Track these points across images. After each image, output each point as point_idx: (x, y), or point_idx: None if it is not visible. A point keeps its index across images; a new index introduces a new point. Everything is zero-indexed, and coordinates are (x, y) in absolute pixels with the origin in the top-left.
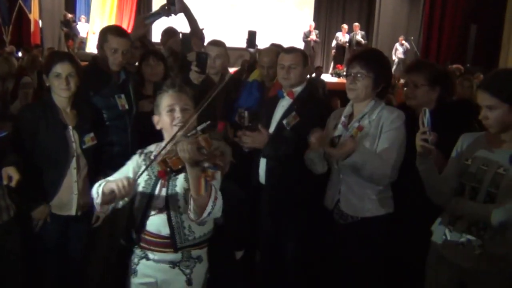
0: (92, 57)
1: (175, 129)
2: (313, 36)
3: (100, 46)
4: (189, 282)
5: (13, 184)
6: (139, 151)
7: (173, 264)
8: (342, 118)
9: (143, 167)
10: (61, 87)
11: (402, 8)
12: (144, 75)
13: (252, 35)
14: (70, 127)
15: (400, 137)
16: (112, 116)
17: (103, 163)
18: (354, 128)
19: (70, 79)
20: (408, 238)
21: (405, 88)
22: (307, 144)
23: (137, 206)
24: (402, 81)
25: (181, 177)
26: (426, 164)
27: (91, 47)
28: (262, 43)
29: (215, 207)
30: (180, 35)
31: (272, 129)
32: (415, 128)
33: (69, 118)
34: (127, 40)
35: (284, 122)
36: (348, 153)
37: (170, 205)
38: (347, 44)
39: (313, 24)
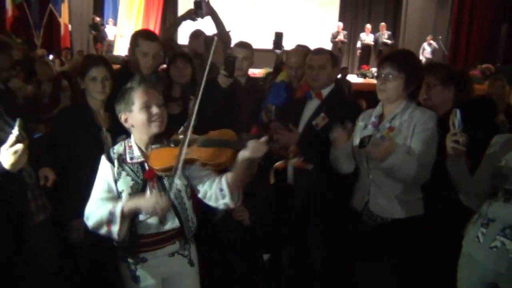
0: (123, 60)
1: (154, 125)
2: (340, 37)
3: (132, 50)
4: (191, 263)
5: (49, 184)
6: (104, 157)
7: (172, 253)
8: (372, 119)
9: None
10: (96, 90)
11: (430, 7)
12: (172, 77)
13: (278, 37)
14: (104, 128)
15: (433, 138)
16: None
17: None
18: (385, 128)
19: (105, 82)
20: (439, 241)
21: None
22: None
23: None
24: None
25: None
26: (457, 165)
27: (119, 50)
28: (287, 44)
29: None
30: (204, 37)
31: (300, 130)
32: (441, 129)
33: (102, 120)
34: (157, 44)
35: (313, 123)
36: (386, 155)
37: (176, 202)
38: (373, 44)
39: (341, 25)
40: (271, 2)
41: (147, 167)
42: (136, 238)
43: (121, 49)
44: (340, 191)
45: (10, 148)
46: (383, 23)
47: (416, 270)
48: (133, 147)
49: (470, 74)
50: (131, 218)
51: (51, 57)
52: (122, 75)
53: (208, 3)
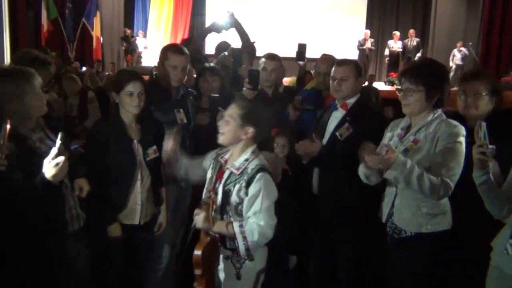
0: (154, 74)
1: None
2: (368, 44)
3: (161, 63)
4: (238, 276)
5: (83, 195)
6: (217, 150)
7: (227, 257)
8: (399, 130)
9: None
10: (133, 105)
11: (460, 13)
12: (201, 89)
13: (302, 48)
14: (135, 140)
15: (457, 152)
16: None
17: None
18: (409, 141)
19: (141, 97)
20: (467, 253)
21: (462, 97)
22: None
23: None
24: (454, 88)
25: (235, 188)
26: (484, 177)
27: (144, 61)
28: (314, 53)
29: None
30: (231, 50)
31: (325, 140)
32: (469, 140)
33: (134, 132)
34: (186, 58)
35: (337, 133)
36: (385, 166)
37: (223, 209)
38: (401, 50)
39: (368, 32)
40: (297, 12)
41: None
42: None
43: (147, 60)
44: (367, 201)
45: (52, 161)
46: (411, 30)
47: (444, 284)
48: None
49: (502, 80)
50: None
51: (84, 69)
52: (152, 88)
53: (232, 15)
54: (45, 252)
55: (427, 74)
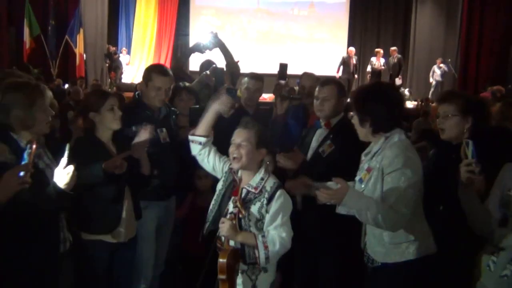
0: (137, 94)
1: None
2: (353, 61)
3: (145, 83)
4: (254, 287)
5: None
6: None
7: (243, 271)
8: (362, 157)
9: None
10: (114, 119)
11: (439, 29)
12: (177, 108)
13: (283, 68)
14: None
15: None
16: (154, 149)
17: (147, 194)
18: (363, 170)
19: (118, 113)
20: (449, 271)
21: (437, 119)
22: (341, 172)
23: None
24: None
25: (257, 206)
26: (467, 194)
27: (126, 78)
28: (296, 69)
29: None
30: (213, 68)
31: (308, 157)
32: (456, 157)
33: (112, 151)
34: (170, 79)
35: (320, 150)
36: (338, 198)
37: (241, 224)
38: (383, 68)
39: (353, 49)
40: (280, 31)
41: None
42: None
43: (128, 77)
44: (351, 220)
45: (63, 170)
46: (394, 48)
47: None
48: None
49: (481, 96)
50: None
51: (66, 86)
52: (134, 107)
53: (216, 35)
54: (37, 272)
55: (362, 103)
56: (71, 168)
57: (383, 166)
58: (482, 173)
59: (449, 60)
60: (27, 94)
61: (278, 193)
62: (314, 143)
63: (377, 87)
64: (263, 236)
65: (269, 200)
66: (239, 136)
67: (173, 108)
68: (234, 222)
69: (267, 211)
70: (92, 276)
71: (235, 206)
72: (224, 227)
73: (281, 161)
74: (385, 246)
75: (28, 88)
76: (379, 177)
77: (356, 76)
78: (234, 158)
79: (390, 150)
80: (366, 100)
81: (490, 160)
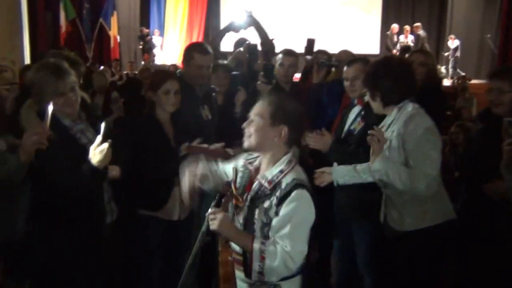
0: (178, 72)
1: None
2: (395, 38)
3: (186, 62)
4: None
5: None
6: (246, 156)
7: (248, 284)
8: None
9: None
10: (170, 103)
11: (478, 3)
12: (212, 84)
13: (310, 43)
14: (171, 137)
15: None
16: (198, 126)
17: None
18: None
19: (177, 95)
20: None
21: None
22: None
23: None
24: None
25: (264, 206)
26: (511, 172)
27: (159, 60)
28: (330, 48)
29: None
30: (247, 46)
31: (343, 135)
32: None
33: (169, 131)
34: (211, 57)
35: (352, 127)
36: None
37: (246, 228)
38: (413, 45)
39: (396, 26)
40: (312, 7)
41: None
42: None
43: (161, 58)
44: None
45: (98, 148)
46: (417, 24)
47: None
48: None
49: None
50: None
51: (101, 68)
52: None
53: (251, 14)
54: (84, 241)
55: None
56: (105, 145)
57: (403, 134)
58: None
59: (489, 35)
60: (52, 71)
61: (294, 193)
62: (349, 121)
63: (384, 62)
64: (263, 243)
65: (281, 199)
66: (252, 111)
67: (212, 86)
68: (229, 213)
69: (276, 213)
70: (145, 251)
71: (231, 193)
72: (215, 218)
73: (311, 142)
74: (408, 214)
75: (54, 67)
76: (398, 145)
77: (394, 51)
78: (245, 135)
79: (410, 119)
80: (375, 75)
81: None
